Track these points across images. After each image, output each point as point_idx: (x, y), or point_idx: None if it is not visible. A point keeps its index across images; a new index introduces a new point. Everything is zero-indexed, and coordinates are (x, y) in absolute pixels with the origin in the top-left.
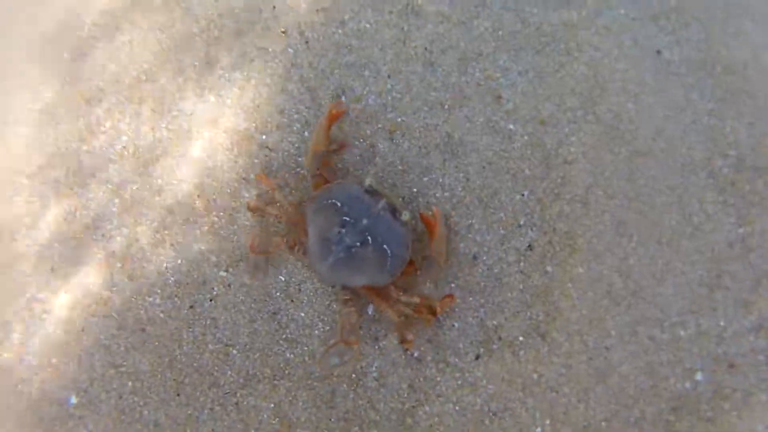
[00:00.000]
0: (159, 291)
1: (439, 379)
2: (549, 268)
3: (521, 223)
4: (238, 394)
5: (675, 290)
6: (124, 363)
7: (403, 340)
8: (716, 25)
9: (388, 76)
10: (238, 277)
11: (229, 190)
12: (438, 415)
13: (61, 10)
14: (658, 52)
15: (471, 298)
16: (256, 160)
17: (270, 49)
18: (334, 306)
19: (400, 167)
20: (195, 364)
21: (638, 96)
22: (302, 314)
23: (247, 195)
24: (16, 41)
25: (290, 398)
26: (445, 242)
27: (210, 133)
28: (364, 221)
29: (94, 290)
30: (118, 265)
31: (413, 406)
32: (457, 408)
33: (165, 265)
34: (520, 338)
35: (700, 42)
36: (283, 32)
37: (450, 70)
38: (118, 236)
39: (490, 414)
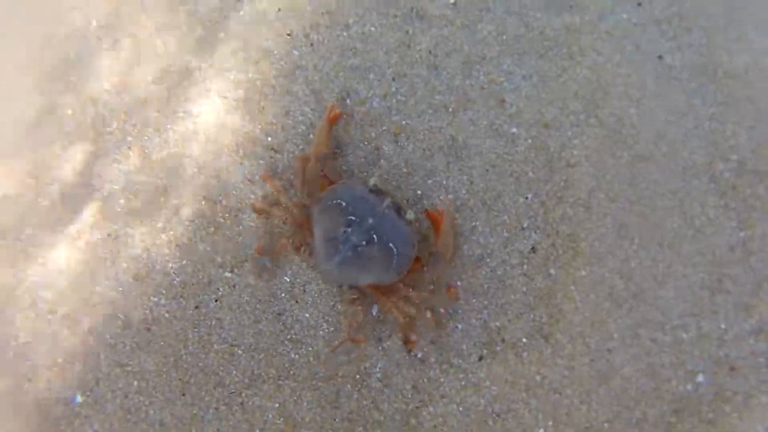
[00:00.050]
0: (164, 291)
1: (442, 380)
2: (552, 271)
3: (524, 225)
4: (243, 394)
5: (676, 293)
6: (130, 362)
7: (406, 341)
8: (718, 31)
9: (393, 79)
10: (243, 277)
11: (234, 192)
12: (442, 416)
13: (67, 11)
14: (660, 57)
15: (474, 300)
16: (261, 162)
17: (275, 51)
18: (339, 307)
19: (404, 169)
20: (200, 364)
21: (640, 100)
22: (307, 315)
23: (252, 196)
24: (21, 41)
25: (295, 398)
26: (451, 237)
27: (215, 134)
28: (370, 220)
29: (100, 290)
30: (124, 265)
31: (417, 407)
32: (460, 409)
33: (170, 265)
34: (523, 340)
35: (701, 47)
36: (289, 34)
37: (454, 73)
38: (124, 237)
39: (494, 415)
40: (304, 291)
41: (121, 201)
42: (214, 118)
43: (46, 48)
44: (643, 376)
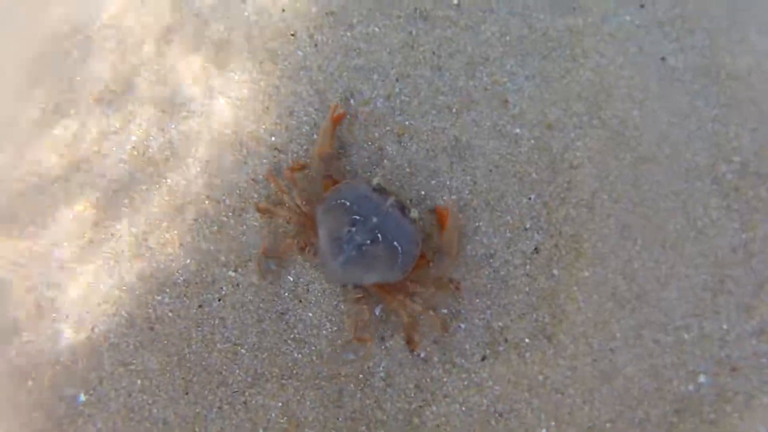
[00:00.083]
0: (168, 290)
1: (445, 379)
2: (555, 271)
3: (528, 226)
4: (246, 393)
5: (679, 294)
6: (133, 361)
7: (409, 341)
8: (721, 33)
9: (397, 80)
10: (247, 277)
11: (238, 191)
12: (444, 416)
13: (72, 10)
14: (663, 58)
15: (477, 300)
16: (264, 161)
17: (279, 52)
18: (342, 306)
19: (407, 170)
20: (203, 363)
21: (643, 102)
22: (310, 314)
23: (255, 196)
24: (25, 41)
25: (298, 397)
26: (455, 234)
27: (219, 134)
28: (374, 219)
29: (104, 289)
30: (128, 264)
31: (420, 406)
32: (463, 408)
33: (174, 264)
34: (526, 340)
35: (704, 49)
36: (293, 35)
37: (457, 74)
38: (128, 236)
39: (496, 415)
40: (308, 290)
41: (125, 200)
42: (218, 117)
43: (46, 47)
44: (645, 377)
